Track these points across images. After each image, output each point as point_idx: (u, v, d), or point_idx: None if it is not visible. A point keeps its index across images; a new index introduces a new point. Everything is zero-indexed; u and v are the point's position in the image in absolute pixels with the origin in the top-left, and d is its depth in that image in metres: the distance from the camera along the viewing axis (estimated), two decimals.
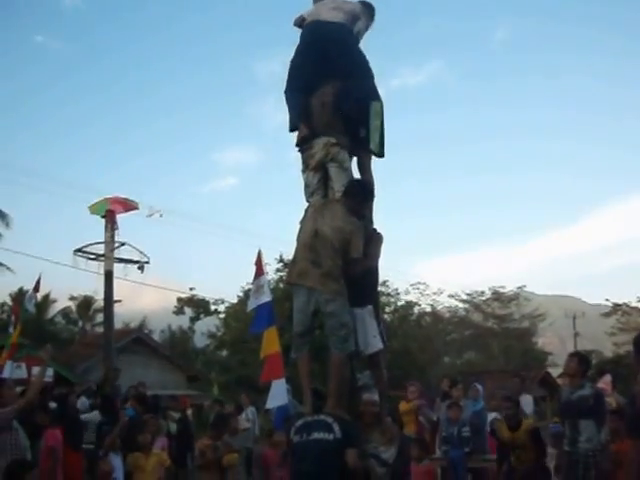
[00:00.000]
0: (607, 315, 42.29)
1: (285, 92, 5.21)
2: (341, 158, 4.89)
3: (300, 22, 5.33)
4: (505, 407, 7.91)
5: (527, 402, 9.81)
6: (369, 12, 5.31)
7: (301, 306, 4.68)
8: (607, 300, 41.00)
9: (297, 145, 5.09)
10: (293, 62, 5.18)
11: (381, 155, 5.16)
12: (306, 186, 5.07)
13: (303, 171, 5.03)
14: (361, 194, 4.85)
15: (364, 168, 5.19)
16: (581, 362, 6.48)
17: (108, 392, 11.53)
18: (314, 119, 4.92)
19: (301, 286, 4.66)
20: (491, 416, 10.92)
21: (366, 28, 5.32)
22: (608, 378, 9.57)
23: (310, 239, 4.63)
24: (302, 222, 4.88)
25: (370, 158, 5.21)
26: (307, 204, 5.07)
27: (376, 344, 4.69)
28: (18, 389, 11.48)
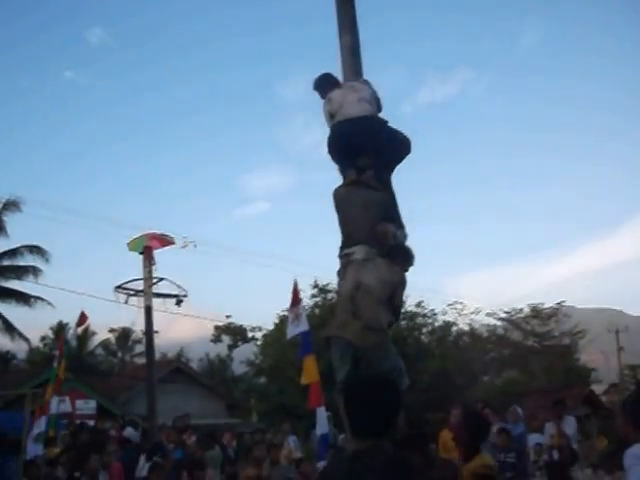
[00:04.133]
0: None
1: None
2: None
3: (321, 93, 5.41)
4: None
5: (570, 424, 9.61)
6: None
7: (339, 356, 4.66)
8: None
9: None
10: (333, 158, 5.27)
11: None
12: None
13: (339, 273, 4.99)
14: (403, 257, 4.89)
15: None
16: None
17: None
18: (355, 223, 4.93)
19: (341, 337, 4.61)
20: (533, 437, 10.74)
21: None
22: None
23: (352, 291, 4.61)
24: (341, 276, 4.89)
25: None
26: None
27: (405, 381, 4.71)
28: (62, 422, 11.81)
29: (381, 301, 4.58)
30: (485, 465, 4.72)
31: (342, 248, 4.96)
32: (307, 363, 7.56)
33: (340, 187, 5.10)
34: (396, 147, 5.22)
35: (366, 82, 5.43)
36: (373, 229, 4.81)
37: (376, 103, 5.30)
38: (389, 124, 5.26)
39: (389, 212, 5.01)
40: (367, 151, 5.07)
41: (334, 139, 5.20)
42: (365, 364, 4.58)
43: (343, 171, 5.26)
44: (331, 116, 5.27)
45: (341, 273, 4.89)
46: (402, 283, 4.79)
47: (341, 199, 5.02)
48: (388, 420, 2.62)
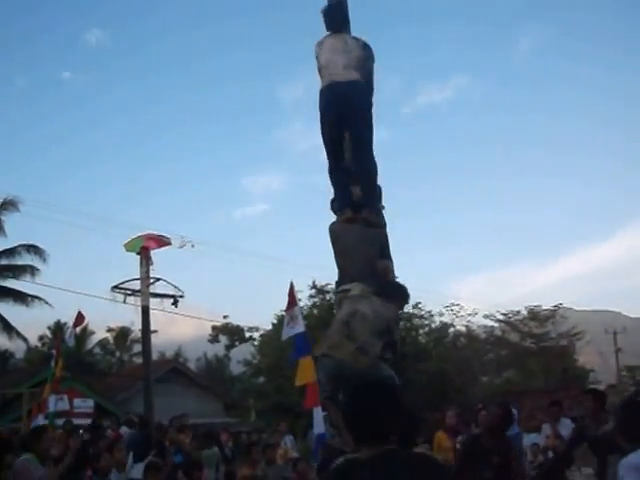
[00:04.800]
0: None
1: (330, 173, 5.26)
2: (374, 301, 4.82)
3: (326, 23, 5.39)
4: None
5: (566, 426, 9.64)
6: (370, 53, 5.36)
7: (328, 372, 4.58)
8: None
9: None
10: (323, 134, 5.21)
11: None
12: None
13: (335, 307, 5.03)
14: (399, 294, 4.90)
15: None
16: (596, 398, 6.55)
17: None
18: (351, 259, 4.93)
19: (331, 357, 4.53)
20: (530, 437, 10.79)
21: (372, 68, 5.39)
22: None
23: (347, 317, 4.57)
24: (336, 310, 4.90)
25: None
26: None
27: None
28: (60, 421, 11.86)
29: (375, 331, 4.48)
30: None
31: (338, 284, 4.97)
32: (303, 364, 7.57)
33: (336, 223, 5.09)
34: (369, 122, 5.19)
35: (363, 47, 5.31)
36: (369, 266, 4.80)
37: (365, 70, 5.25)
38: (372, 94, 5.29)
39: (384, 249, 5.02)
40: (349, 123, 5.06)
41: (321, 110, 5.17)
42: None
43: (328, 153, 5.22)
44: (318, 64, 5.31)
45: (337, 307, 4.87)
46: (396, 320, 4.79)
47: (337, 235, 5.00)
48: (394, 424, 2.59)
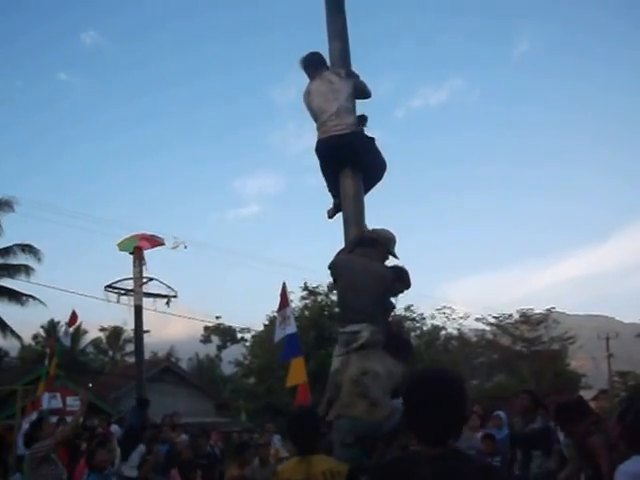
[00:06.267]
0: None
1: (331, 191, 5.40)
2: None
3: (308, 74, 5.49)
4: None
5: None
6: (354, 77, 5.44)
7: (340, 442, 4.38)
8: None
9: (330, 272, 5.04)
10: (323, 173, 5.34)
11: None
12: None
13: (339, 349, 4.79)
14: (408, 351, 5.03)
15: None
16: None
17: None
18: (358, 295, 4.72)
19: (345, 417, 4.33)
20: None
21: (360, 81, 5.47)
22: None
23: (357, 376, 4.40)
24: (343, 360, 4.64)
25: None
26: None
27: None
28: (53, 419, 11.95)
29: (386, 390, 4.40)
30: None
31: (343, 321, 4.74)
32: (294, 365, 7.59)
33: (340, 254, 5.03)
34: (377, 169, 5.32)
35: (347, 77, 5.38)
36: (379, 303, 4.65)
37: (357, 91, 5.33)
38: (375, 142, 5.32)
39: (388, 283, 4.87)
40: (351, 165, 5.15)
41: (319, 156, 5.27)
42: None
43: (330, 189, 5.34)
44: (311, 113, 5.35)
45: (341, 351, 4.65)
46: (404, 377, 4.75)
47: (343, 268, 4.85)
48: (460, 421, 2.35)
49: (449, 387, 2.30)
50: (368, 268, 4.71)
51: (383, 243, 4.91)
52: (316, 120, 5.33)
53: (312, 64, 5.54)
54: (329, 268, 4.96)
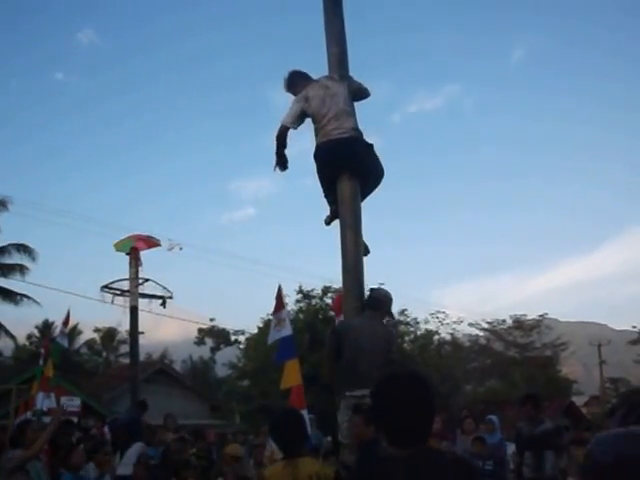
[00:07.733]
0: (634, 342, 41.40)
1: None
2: None
3: (294, 93, 5.59)
4: None
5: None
6: (348, 78, 5.54)
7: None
8: (634, 327, 40.30)
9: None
10: (320, 178, 5.42)
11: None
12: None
13: (345, 413, 4.87)
14: (384, 306, 5.13)
15: None
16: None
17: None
18: (366, 358, 4.85)
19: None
20: (512, 446, 10.97)
21: (355, 81, 5.58)
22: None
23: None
24: (348, 329, 4.92)
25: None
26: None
27: None
28: (46, 419, 11.96)
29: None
30: None
31: (351, 385, 4.76)
32: (289, 368, 7.64)
33: (344, 323, 5.12)
34: (375, 175, 5.41)
35: (341, 80, 5.46)
36: (385, 365, 4.71)
37: (355, 89, 5.43)
38: (374, 149, 5.41)
39: (392, 342, 5.10)
40: (349, 170, 5.22)
41: (318, 161, 5.33)
42: None
43: (327, 195, 5.41)
44: (312, 119, 5.39)
45: (345, 412, 4.70)
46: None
47: (348, 332, 4.91)
48: (430, 422, 2.27)
49: (417, 388, 2.26)
50: (377, 332, 4.91)
51: (386, 305, 5.11)
52: (315, 125, 5.39)
53: (298, 78, 5.63)
54: (332, 334, 5.06)
